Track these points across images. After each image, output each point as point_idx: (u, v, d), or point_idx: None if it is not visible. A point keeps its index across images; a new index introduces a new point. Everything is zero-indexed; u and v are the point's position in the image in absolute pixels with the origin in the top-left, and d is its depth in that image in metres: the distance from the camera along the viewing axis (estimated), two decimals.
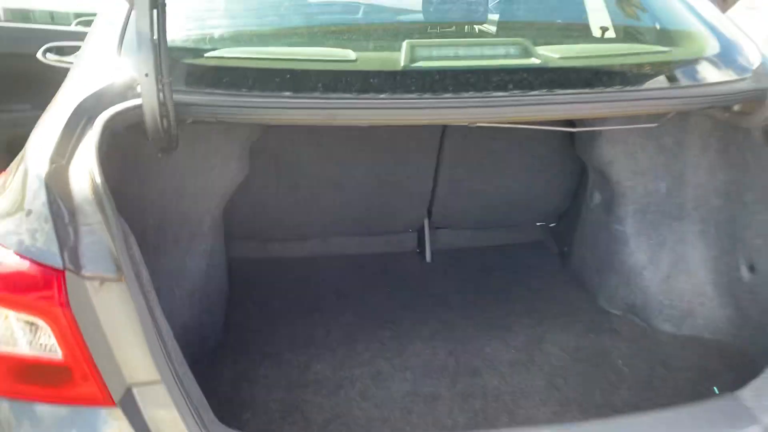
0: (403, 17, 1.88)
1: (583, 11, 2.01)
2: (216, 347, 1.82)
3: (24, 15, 3.31)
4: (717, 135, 1.79)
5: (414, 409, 1.61)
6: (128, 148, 1.34)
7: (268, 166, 2.07)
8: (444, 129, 2.09)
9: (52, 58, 1.97)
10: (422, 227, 2.45)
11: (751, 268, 1.71)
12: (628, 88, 1.46)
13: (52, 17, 3.45)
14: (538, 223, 2.61)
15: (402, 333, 1.95)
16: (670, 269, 1.91)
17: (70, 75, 1.44)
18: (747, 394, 1.32)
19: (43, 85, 1.76)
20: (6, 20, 3.18)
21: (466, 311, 2.08)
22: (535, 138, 1.94)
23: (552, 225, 2.57)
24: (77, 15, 3.20)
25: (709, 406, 1.36)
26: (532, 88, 1.39)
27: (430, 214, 2.41)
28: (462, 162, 2.24)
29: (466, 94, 1.34)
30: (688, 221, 1.88)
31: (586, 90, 1.42)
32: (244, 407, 1.60)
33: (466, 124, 1.61)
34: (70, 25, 2.95)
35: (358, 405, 1.62)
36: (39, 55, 2.24)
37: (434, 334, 1.95)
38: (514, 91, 1.36)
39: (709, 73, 1.54)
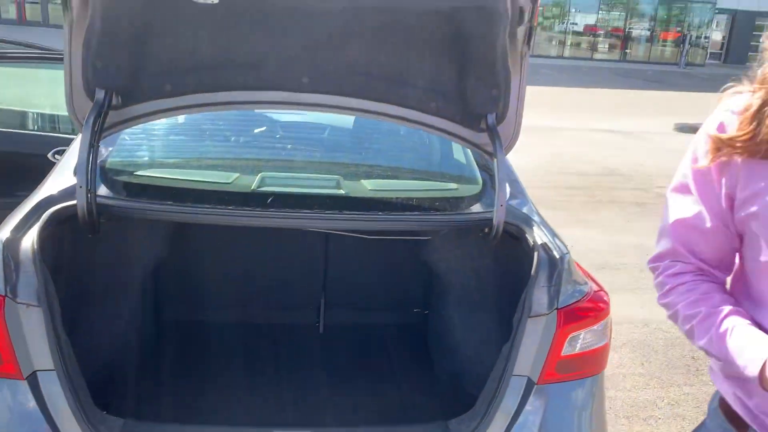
0: (268, 155, 2.60)
1: (395, 157, 2.73)
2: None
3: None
4: (490, 246, 2.16)
5: None
6: (68, 230, 1.99)
7: (188, 249, 2.64)
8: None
9: (58, 158, 2.73)
10: (320, 304, 2.82)
11: None
12: (399, 213, 2.10)
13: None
14: (415, 310, 2.91)
15: (268, 414, 2.22)
16: (478, 346, 2.29)
17: (46, 178, 2.20)
18: (454, 422, 1.72)
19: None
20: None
21: (336, 390, 2.38)
22: (392, 240, 2.59)
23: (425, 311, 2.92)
24: None
25: (422, 427, 1.89)
26: (333, 209, 2.04)
27: (325, 292, 2.81)
28: (345, 253, 2.70)
29: (293, 210, 2.01)
30: (489, 308, 2.32)
31: (371, 213, 2.07)
32: None
33: (296, 228, 2.28)
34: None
35: None
36: (49, 155, 3.07)
37: (297, 419, 2.20)
38: (323, 210, 2.03)
39: (465, 206, 2.17)
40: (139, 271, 2.38)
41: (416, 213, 2.13)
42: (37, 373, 1.66)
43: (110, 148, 2.29)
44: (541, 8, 30.21)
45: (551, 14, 30.44)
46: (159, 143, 2.57)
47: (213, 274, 2.70)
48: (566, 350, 1.65)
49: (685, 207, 1.18)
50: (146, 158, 2.47)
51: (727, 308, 1.12)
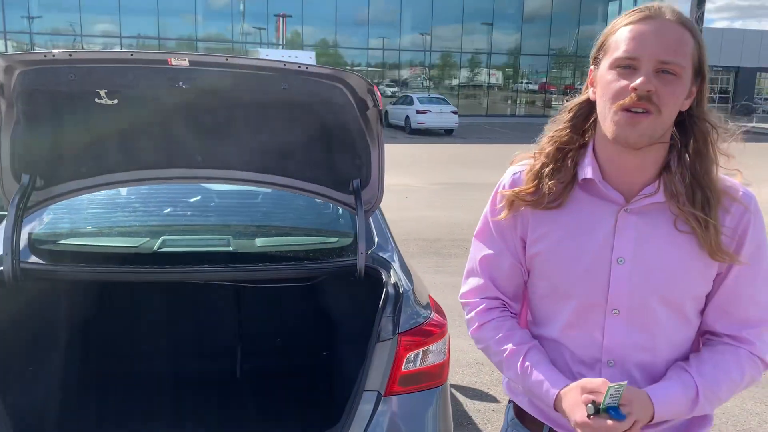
0: (170, 221, 3.01)
1: (284, 217, 3.16)
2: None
3: None
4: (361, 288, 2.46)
5: None
6: None
7: (112, 307, 2.93)
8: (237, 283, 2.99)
9: None
10: (236, 352, 3.08)
11: None
12: (278, 263, 2.48)
13: None
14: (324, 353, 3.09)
15: None
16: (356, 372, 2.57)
17: None
18: None
19: None
20: None
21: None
22: (297, 290, 2.96)
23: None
24: None
25: None
26: (224, 263, 2.48)
27: (241, 341, 3.09)
28: (257, 305, 3.02)
29: (189, 265, 2.41)
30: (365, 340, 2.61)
31: (254, 264, 2.48)
32: None
33: (190, 281, 2.65)
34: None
35: None
36: None
37: None
38: (212, 265, 2.44)
39: (338, 256, 2.55)
40: (66, 327, 2.67)
41: (293, 263, 2.52)
42: None
43: (36, 222, 2.64)
44: (496, 70, 31.76)
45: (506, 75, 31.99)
46: (78, 215, 2.93)
47: (136, 328, 3.00)
48: (406, 366, 1.99)
49: (488, 249, 1.38)
50: (67, 229, 2.82)
51: (526, 347, 1.31)
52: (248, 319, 3.07)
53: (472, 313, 1.40)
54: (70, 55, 1.91)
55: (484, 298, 1.39)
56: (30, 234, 2.51)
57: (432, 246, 7.26)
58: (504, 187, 1.34)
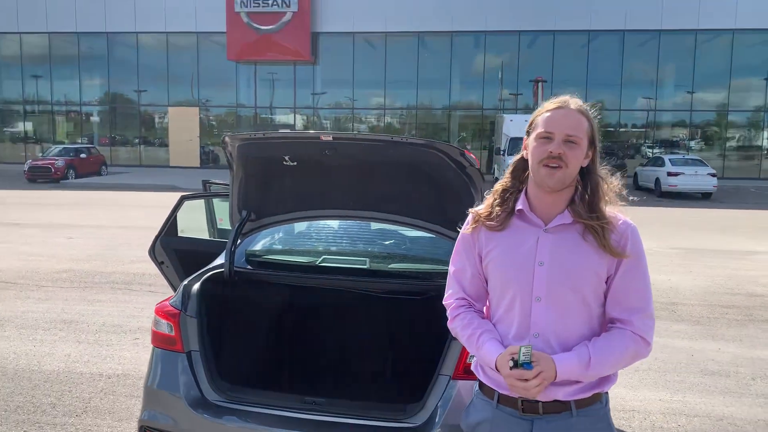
0: (329, 245, 3.99)
1: (409, 249, 3.93)
2: None
3: None
4: None
5: None
6: (218, 282, 3.36)
7: (296, 303, 3.91)
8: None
9: None
10: None
11: None
12: (401, 279, 3.35)
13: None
14: None
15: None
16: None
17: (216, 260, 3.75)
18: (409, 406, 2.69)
19: None
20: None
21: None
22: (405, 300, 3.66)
23: None
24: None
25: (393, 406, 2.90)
26: (362, 275, 3.35)
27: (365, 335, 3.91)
28: (382, 310, 3.68)
29: (341, 274, 3.37)
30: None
31: (384, 278, 3.34)
32: None
33: (341, 287, 3.53)
34: None
35: None
36: None
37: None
38: (357, 276, 3.35)
39: (443, 278, 3.08)
40: (265, 313, 3.72)
41: (410, 279, 3.32)
42: (191, 351, 2.91)
43: (252, 242, 3.76)
44: None
45: None
46: (275, 239, 4.03)
47: (308, 316, 3.91)
48: (470, 359, 2.53)
49: (458, 264, 1.95)
50: (268, 247, 3.91)
51: (480, 330, 1.84)
52: (374, 320, 3.83)
53: (449, 310, 1.96)
54: (264, 135, 2.98)
55: (455, 299, 1.94)
56: (245, 250, 3.64)
57: None
58: (471, 209, 1.95)
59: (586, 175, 1.80)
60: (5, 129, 33.80)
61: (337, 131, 3.65)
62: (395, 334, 3.82)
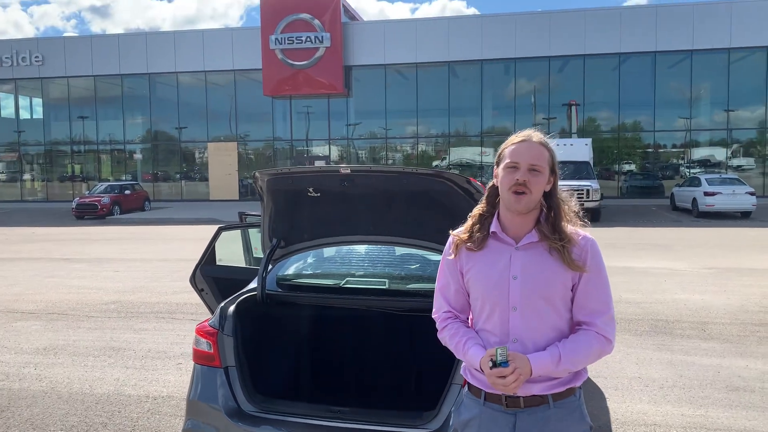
0: (351, 269, 4.26)
1: (422, 269, 4.16)
2: None
3: None
4: None
5: None
6: (251, 304, 3.66)
7: (323, 321, 4.17)
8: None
9: None
10: None
11: None
12: (413, 297, 3.60)
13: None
14: None
15: None
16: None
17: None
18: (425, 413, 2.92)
19: None
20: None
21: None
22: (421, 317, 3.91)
23: None
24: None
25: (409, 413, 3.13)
26: (382, 295, 3.63)
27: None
28: (401, 329, 3.97)
29: (363, 294, 3.64)
30: None
31: (401, 297, 3.61)
32: None
33: (363, 307, 3.77)
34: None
35: None
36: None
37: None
38: (377, 296, 3.63)
39: None
40: (295, 331, 4.01)
41: (424, 298, 3.51)
42: (228, 367, 3.20)
43: (282, 267, 4.07)
44: None
45: None
46: (304, 265, 4.33)
47: (334, 333, 4.19)
48: None
49: (443, 280, 2.18)
50: (298, 272, 4.20)
51: (466, 338, 2.06)
52: (392, 335, 4.07)
53: (438, 322, 2.19)
54: (290, 170, 3.31)
55: (442, 312, 2.18)
56: (276, 274, 3.94)
57: (667, 326, 7.12)
58: (452, 232, 2.18)
59: (549, 198, 2.05)
60: (54, 168, 35.29)
61: (356, 164, 3.94)
62: (411, 347, 4.06)
